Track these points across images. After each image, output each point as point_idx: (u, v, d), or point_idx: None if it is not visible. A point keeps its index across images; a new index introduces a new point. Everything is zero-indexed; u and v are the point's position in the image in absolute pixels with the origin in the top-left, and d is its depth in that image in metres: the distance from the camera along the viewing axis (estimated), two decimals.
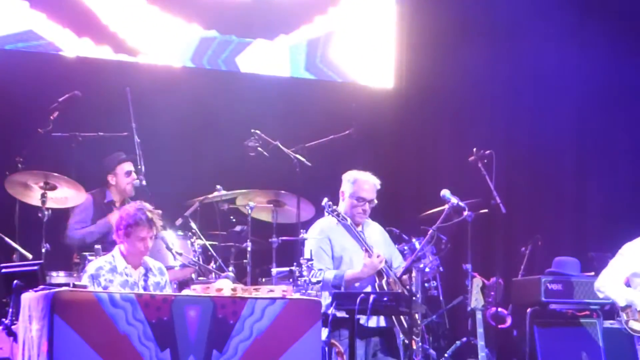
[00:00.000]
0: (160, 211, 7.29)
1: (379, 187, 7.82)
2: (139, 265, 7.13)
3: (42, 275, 6.78)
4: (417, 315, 7.51)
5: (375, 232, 7.91)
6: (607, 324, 9.30)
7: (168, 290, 7.22)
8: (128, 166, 8.85)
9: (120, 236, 7.10)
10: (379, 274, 7.55)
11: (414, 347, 7.43)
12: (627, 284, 8.33)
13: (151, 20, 10.27)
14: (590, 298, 9.22)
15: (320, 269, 7.41)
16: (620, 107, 11.65)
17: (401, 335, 7.49)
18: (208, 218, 8.79)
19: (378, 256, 7.52)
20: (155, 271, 7.20)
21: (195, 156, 9.87)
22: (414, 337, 7.49)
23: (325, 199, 7.61)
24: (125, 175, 8.86)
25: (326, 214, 7.65)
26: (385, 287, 7.54)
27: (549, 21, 11.38)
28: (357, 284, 7.51)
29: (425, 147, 11.29)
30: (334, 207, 7.63)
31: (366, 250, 7.53)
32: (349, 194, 7.74)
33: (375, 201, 7.81)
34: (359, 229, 7.70)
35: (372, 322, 7.49)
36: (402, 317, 7.42)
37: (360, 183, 7.76)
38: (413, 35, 11.30)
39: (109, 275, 6.98)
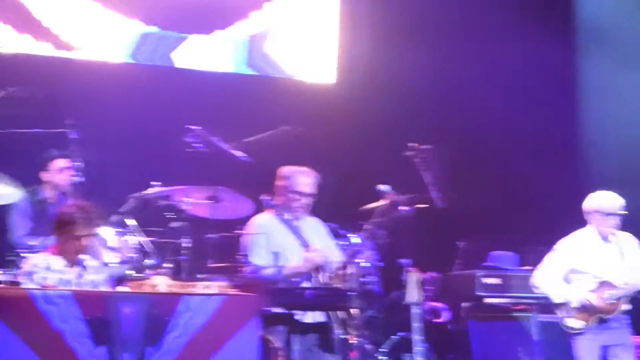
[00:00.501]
0: (97, 209, 7.27)
1: (316, 180, 7.84)
2: (74, 263, 7.10)
3: None
4: (353, 310, 7.55)
5: (313, 227, 7.92)
6: (543, 318, 9.31)
7: (104, 288, 7.21)
8: (61, 162, 8.82)
9: (56, 234, 7.08)
10: (318, 268, 7.58)
11: (351, 341, 7.46)
12: (567, 280, 8.37)
13: (92, 16, 10.24)
14: (525, 292, 9.19)
15: (257, 264, 7.42)
16: (568, 106, 11.79)
17: (338, 329, 7.52)
18: (144, 214, 8.77)
19: (316, 250, 7.56)
20: (91, 269, 7.18)
21: (133, 152, 9.83)
22: (350, 331, 7.53)
23: (263, 195, 7.62)
24: (58, 172, 8.82)
25: (267, 209, 7.65)
26: (323, 282, 7.58)
27: (489, 17, 11.48)
28: (296, 279, 7.54)
29: (366, 142, 11.31)
30: (273, 202, 7.64)
31: (305, 245, 7.56)
32: (285, 188, 7.75)
33: (315, 195, 7.83)
34: (296, 224, 7.73)
35: (309, 317, 7.50)
36: (337, 313, 7.46)
37: (296, 177, 7.78)
38: (356, 30, 11.35)
39: (44, 272, 6.95)
